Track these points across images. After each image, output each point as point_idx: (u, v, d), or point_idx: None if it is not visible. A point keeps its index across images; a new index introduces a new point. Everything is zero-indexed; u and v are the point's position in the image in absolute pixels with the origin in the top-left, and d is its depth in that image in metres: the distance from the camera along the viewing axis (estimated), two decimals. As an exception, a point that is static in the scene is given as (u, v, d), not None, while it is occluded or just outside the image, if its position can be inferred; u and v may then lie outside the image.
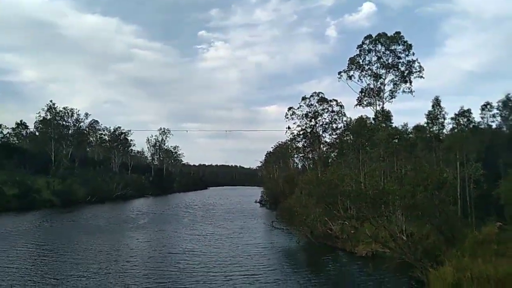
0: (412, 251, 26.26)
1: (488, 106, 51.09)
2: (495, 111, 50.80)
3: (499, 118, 51.07)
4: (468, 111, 45.81)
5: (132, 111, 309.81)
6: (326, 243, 37.95)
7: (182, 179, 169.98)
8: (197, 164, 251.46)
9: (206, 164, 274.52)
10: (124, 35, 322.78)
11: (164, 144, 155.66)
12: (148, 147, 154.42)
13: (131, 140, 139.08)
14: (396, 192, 30.67)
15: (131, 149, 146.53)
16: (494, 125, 51.02)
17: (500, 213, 32.13)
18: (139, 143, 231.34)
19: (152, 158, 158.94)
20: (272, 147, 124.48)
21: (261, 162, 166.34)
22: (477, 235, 28.47)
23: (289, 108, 74.71)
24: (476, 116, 49.06)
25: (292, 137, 78.51)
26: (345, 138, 62.11)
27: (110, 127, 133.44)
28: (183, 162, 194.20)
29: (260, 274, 27.11)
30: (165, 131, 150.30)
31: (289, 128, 76.00)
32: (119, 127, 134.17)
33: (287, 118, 74.68)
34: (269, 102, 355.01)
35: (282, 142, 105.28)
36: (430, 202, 30.79)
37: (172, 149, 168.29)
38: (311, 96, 73.34)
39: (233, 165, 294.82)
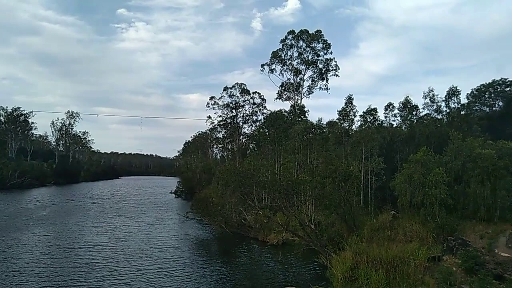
0: (319, 238, 27.92)
1: (391, 107, 56.40)
2: (396, 111, 56.36)
3: (399, 118, 56.79)
4: (375, 110, 50.18)
5: (35, 91, 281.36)
6: (240, 233, 38.57)
7: (90, 167, 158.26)
8: (108, 152, 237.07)
9: (119, 152, 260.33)
10: (30, 4, 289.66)
11: (72, 128, 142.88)
12: (52, 132, 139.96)
13: (32, 122, 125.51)
14: (308, 183, 32.25)
15: (32, 133, 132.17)
16: (395, 124, 56.53)
17: (395, 203, 35.65)
18: (43, 126, 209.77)
19: (57, 143, 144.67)
20: (191, 137, 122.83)
21: (179, 151, 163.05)
22: (374, 222, 31.41)
23: (211, 98, 74.57)
24: (381, 114, 54.00)
25: (212, 127, 78.52)
26: (263, 130, 63.46)
27: (7, 107, 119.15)
28: (92, 149, 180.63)
29: (173, 267, 26.49)
30: (74, 114, 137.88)
31: (209, 117, 75.86)
32: (19, 108, 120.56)
33: (209, 107, 74.48)
34: (191, 90, 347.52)
35: (202, 131, 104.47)
36: (337, 193, 33.04)
37: (80, 135, 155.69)
38: (233, 86, 74.01)
39: (149, 154, 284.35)
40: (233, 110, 74.38)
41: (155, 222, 46.79)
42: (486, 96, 67.88)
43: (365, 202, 39.52)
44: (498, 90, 66.78)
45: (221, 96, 73.60)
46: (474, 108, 64.56)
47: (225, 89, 73.81)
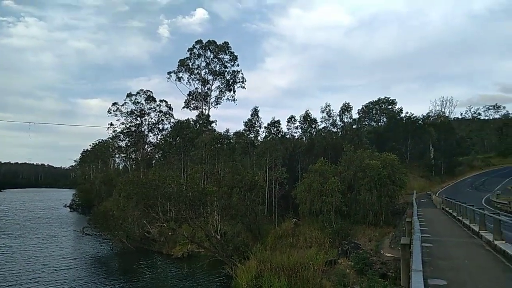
0: (224, 249, 28.07)
1: (293, 119, 60.00)
2: (297, 123, 60.11)
3: (300, 130, 60.65)
4: (278, 122, 52.83)
5: None
6: (143, 247, 36.73)
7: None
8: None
9: (2, 161, 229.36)
10: None
11: None
12: None
13: None
14: (215, 193, 32.30)
15: None
16: (296, 136, 60.17)
17: (296, 210, 37.74)
18: None
19: None
20: (90, 145, 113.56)
21: (75, 161, 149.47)
22: (278, 230, 32.76)
23: (113, 104, 69.94)
24: (284, 127, 57.07)
25: (114, 135, 73.75)
26: (170, 140, 61.87)
27: None
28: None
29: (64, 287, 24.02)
30: None
31: (111, 124, 71.15)
32: None
33: (111, 114, 69.76)
34: (91, 95, 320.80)
35: (103, 140, 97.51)
36: (243, 202, 33.72)
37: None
38: (138, 93, 70.64)
39: (40, 163, 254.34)
40: (138, 118, 70.97)
41: (46, 240, 41.94)
42: (374, 112, 76.67)
43: (269, 210, 41.04)
44: (383, 107, 75.96)
45: (125, 103, 69.68)
46: (364, 123, 72.36)
47: (129, 95, 70.12)
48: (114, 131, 71.89)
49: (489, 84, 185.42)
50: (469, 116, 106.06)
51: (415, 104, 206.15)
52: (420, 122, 71.70)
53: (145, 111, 71.14)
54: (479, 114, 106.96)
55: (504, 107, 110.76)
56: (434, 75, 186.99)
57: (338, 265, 24.06)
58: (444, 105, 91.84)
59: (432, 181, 60.69)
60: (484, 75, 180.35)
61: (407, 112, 72.99)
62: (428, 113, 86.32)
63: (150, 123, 72.26)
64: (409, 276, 8.56)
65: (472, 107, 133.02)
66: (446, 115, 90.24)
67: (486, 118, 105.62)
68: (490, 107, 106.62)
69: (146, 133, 73.16)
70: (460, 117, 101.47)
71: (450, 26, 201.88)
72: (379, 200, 34.94)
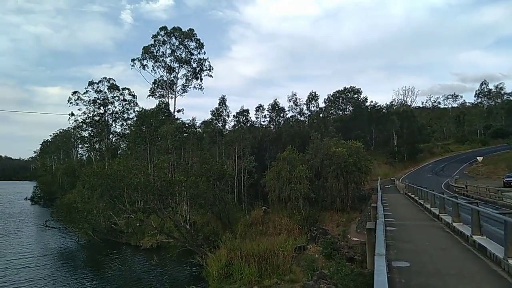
0: (194, 238, 27.99)
1: (261, 108, 60.31)
2: (266, 112, 60.48)
3: (268, 119, 61.05)
4: (247, 111, 52.89)
5: None
6: (111, 239, 35.98)
7: None
8: None
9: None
10: None
11: None
12: None
13: None
14: (183, 182, 31.95)
15: None
16: (265, 124, 60.54)
17: (266, 198, 38.15)
18: None
19: None
20: (51, 135, 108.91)
21: (35, 152, 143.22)
22: (247, 218, 33.00)
23: (74, 92, 67.40)
24: (252, 115, 57.25)
25: (76, 124, 71.15)
26: (135, 129, 60.40)
27: None
28: None
29: (31, 285, 23.00)
30: None
31: (72, 114, 68.62)
32: None
33: (71, 103, 67.24)
34: (50, 82, 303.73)
35: (64, 129, 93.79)
36: (212, 192, 33.60)
37: None
38: (100, 81, 68.30)
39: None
40: (101, 107, 68.75)
41: (6, 236, 39.96)
42: (340, 101, 78.15)
43: (239, 199, 41.21)
44: (349, 96, 77.57)
45: (86, 91, 67.24)
46: (330, 111, 73.66)
47: (91, 83, 67.59)
48: (75, 120, 69.45)
49: (447, 74, 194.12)
50: (429, 105, 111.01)
51: (379, 93, 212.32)
52: (384, 110, 74.03)
53: (108, 99, 68.97)
54: (439, 103, 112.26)
55: (461, 96, 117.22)
56: (397, 65, 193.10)
57: (307, 251, 24.61)
58: (406, 94, 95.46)
59: (395, 167, 63.09)
60: (443, 66, 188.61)
61: (371, 101, 75.19)
62: (391, 102, 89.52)
63: (114, 112, 70.23)
64: (374, 259, 8.88)
65: (432, 96, 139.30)
66: (408, 104, 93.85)
67: (445, 106, 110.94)
68: (449, 96, 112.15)
69: (111, 122, 71.10)
70: (421, 105, 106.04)
71: (411, 18, 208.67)
72: (345, 186, 35.95)
